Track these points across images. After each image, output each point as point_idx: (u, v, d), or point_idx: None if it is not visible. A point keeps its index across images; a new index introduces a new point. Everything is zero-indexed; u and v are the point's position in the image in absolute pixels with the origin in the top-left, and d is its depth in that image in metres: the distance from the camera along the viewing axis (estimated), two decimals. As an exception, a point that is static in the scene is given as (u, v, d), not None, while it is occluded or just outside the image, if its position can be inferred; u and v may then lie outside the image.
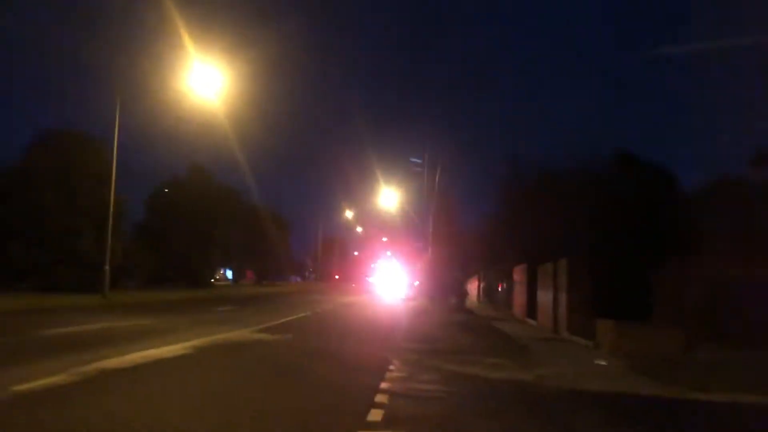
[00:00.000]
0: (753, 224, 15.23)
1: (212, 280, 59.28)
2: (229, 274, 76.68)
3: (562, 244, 20.08)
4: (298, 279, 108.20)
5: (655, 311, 13.15)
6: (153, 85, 28.62)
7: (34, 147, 33.49)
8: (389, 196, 45.78)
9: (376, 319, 24.98)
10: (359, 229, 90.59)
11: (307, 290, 62.31)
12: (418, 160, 39.31)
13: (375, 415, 6.45)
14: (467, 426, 6.29)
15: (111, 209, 27.70)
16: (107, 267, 26.78)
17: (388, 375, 9.21)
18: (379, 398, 7.36)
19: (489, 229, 34.14)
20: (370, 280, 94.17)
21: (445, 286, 36.31)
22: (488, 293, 40.85)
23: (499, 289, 35.05)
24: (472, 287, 46.06)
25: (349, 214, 79.28)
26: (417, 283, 56.69)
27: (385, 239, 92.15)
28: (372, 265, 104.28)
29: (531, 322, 22.48)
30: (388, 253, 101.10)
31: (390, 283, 74.03)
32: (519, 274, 26.49)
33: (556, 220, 22.44)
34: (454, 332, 18.06)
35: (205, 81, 26.09)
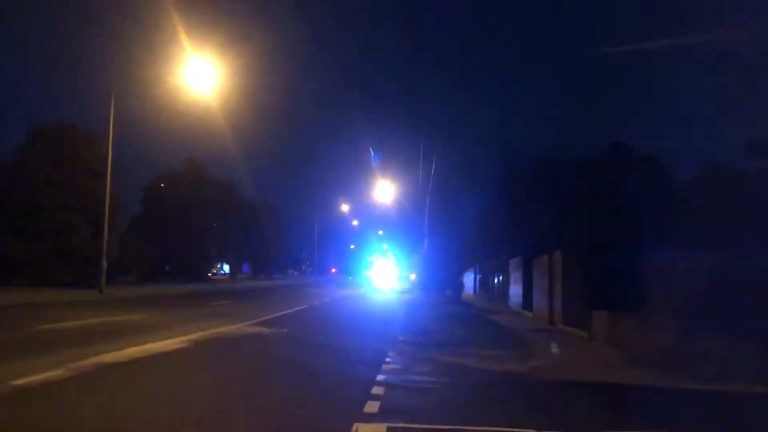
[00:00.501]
0: (746, 213, 15.32)
1: (209, 275, 59.32)
2: (226, 267, 76.71)
3: (556, 237, 20.17)
4: (295, 272, 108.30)
5: (649, 302, 13.21)
6: (148, 79, 28.51)
7: (28, 142, 33.40)
8: (385, 189, 45.73)
9: (373, 312, 25.07)
10: (355, 223, 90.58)
11: (303, 284, 62.39)
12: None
13: (371, 407, 6.50)
14: (463, 417, 6.35)
15: (107, 204, 27.64)
16: (104, 262, 26.74)
17: (384, 367, 9.27)
18: (376, 390, 7.42)
19: (484, 222, 34.22)
20: (367, 273, 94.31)
21: (440, 279, 36.43)
22: (484, 286, 40.96)
23: (495, 282, 35.16)
24: (468, 280, 46.19)
25: (345, 207, 79.21)
26: (413, 275, 56.83)
27: (381, 232, 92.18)
28: (368, 259, 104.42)
29: (527, 314, 22.59)
30: (384, 246, 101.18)
31: (386, 276, 74.18)
32: (515, 267, 26.59)
33: (551, 212, 22.53)
34: (450, 324, 18.14)
35: (199, 74, 26.00)
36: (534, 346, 13.20)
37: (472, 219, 37.60)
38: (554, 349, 12.47)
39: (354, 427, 5.61)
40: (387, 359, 10.18)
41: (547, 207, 23.03)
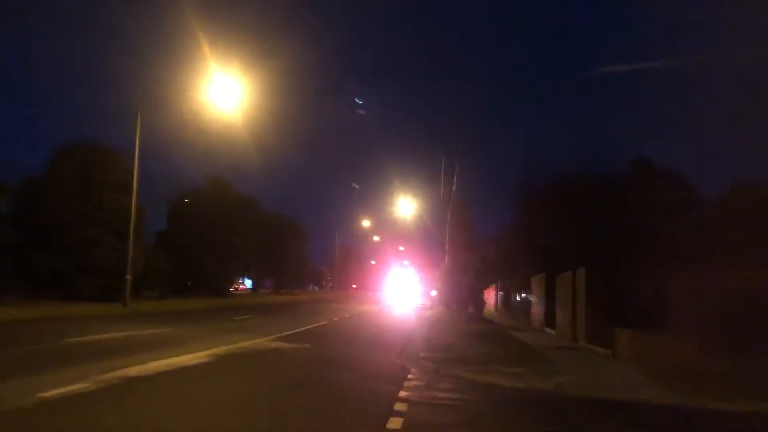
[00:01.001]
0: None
1: (231, 289, 59.63)
2: (248, 282, 77.04)
3: (579, 253, 19.98)
4: (316, 288, 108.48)
5: (673, 320, 13.03)
6: (173, 97, 28.97)
7: (56, 159, 33.99)
8: (406, 205, 45.82)
9: (394, 328, 25.00)
10: (376, 238, 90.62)
11: (324, 299, 62.45)
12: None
13: (394, 423, 6.50)
14: (486, 434, 6.31)
15: (132, 219, 28.01)
16: (129, 276, 27.05)
17: (406, 383, 9.25)
18: (398, 406, 7.41)
19: (506, 238, 34.03)
20: (387, 289, 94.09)
21: (462, 295, 36.24)
22: (506, 302, 40.66)
23: (517, 299, 34.90)
24: (490, 296, 45.89)
25: (366, 223, 79.34)
26: (434, 292, 56.60)
27: (402, 248, 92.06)
28: (389, 274, 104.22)
29: (549, 331, 22.37)
30: (405, 262, 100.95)
31: (407, 292, 73.96)
32: (537, 284, 26.38)
33: (574, 228, 22.34)
34: (472, 341, 18.03)
35: (224, 91, 26.37)
36: (557, 363, 13.07)
37: (493, 235, 37.43)
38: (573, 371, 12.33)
39: (377, 443, 5.61)
40: (409, 375, 10.15)
41: (569, 223, 22.82)
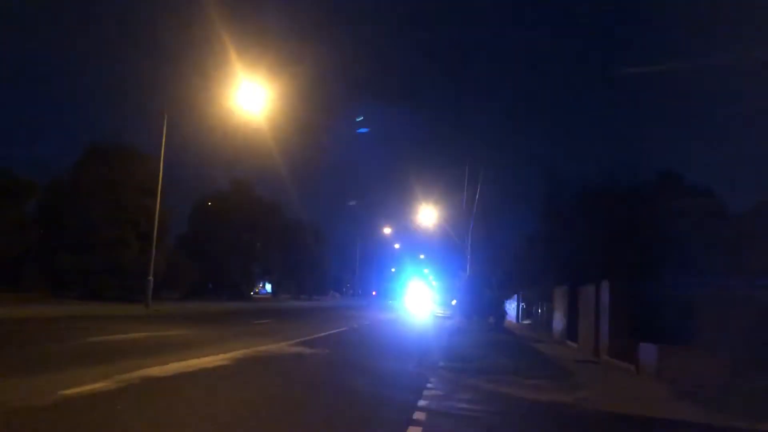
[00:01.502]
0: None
1: (252, 293, 59.93)
2: (268, 287, 77.33)
3: (602, 266, 19.75)
4: (336, 294, 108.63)
5: (700, 336, 12.80)
6: (200, 102, 29.30)
7: (83, 160, 34.49)
8: (428, 214, 45.70)
9: (413, 337, 24.90)
10: (397, 246, 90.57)
11: (344, 306, 62.46)
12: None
13: (413, 432, 6.44)
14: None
15: (156, 221, 28.30)
16: (151, 278, 27.31)
17: (425, 392, 9.18)
18: (418, 415, 7.35)
19: (529, 249, 33.78)
20: (407, 297, 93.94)
21: (482, 306, 35.97)
22: (527, 314, 40.33)
23: (538, 311, 34.58)
24: (511, 308, 45.54)
25: (387, 230, 79.34)
26: (454, 301, 56.34)
27: (422, 256, 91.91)
28: (409, 283, 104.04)
29: (571, 344, 22.11)
30: (426, 271, 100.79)
31: (427, 301, 73.76)
32: (559, 296, 26.12)
33: (597, 240, 22.09)
34: (492, 352, 17.87)
35: (250, 97, 26.59)
36: (578, 376, 12.89)
37: (516, 245, 37.14)
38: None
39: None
40: (428, 385, 10.07)
41: (593, 235, 22.58)
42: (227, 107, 27.74)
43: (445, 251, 54.53)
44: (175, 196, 38.77)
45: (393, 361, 14.51)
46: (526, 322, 39.36)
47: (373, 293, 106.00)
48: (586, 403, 9.31)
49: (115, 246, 32.14)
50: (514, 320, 43.80)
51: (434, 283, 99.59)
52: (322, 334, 20.15)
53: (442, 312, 56.04)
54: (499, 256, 39.68)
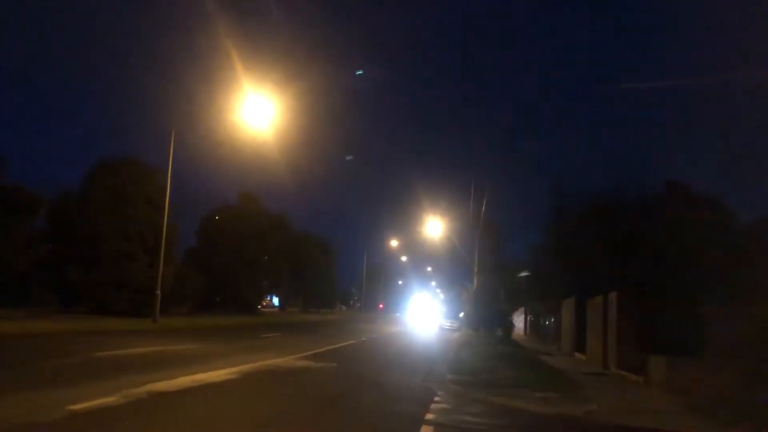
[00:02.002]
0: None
1: (259, 306, 59.92)
2: (276, 300, 77.29)
3: (610, 278, 19.64)
4: (344, 307, 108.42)
5: (708, 347, 12.68)
6: (207, 116, 29.42)
7: (93, 173, 34.66)
8: (434, 226, 45.57)
9: (420, 350, 24.82)
10: (404, 259, 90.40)
11: (351, 319, 62.33)
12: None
13: (421, 445, 6.40)
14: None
15: (164, 235, 28.36)
16: (158, 292, 27.32)
17: (433, 406, 9.13)
18: (425, 429, 7.32)
19: (536, 261, 33.64)
20: (414, 310, 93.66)
21: (490, 318, 35.79)
22: (535, 326, 40.11)
23: (546, 323, 34.40)
24: (518, 320, 45.31)
25: (394, 243, 79.22)
26: (462, 314, 56.12)
27: (429, 269, 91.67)
28: (416, 296, 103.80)
29: (579, 356, 21.97)
30: (433, 284, 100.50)
31: (433, 314, 73.51)
32: (567, 308, 25.99)
33: (605, 252, 21.98)
34: (500, 364, 17.77)
35: (257, 111, 26.67)
36: (588, 389, 12.80)
37: (523, 257, 36.98)
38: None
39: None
40: (436, 398, 10.03)
41: (600, 247, 22.47)
42: (235, 121, 27.83)
43: (452, 264, 54.38)
44: (183, 210, 38.96)
45: (400, 374, 14.46)
46: (534, 334, 39.14)
47: (380, 306, 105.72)
48: (595, 416, 9.24)
49: (123, 260, 32.20)
50: (522, 333, 43.57)
51: (441, 295, 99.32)
52: (330, 347, 20.11)
53: (449, 324, 55.82)
54: (507, 268, 39.48)
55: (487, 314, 36.37)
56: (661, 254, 19.20)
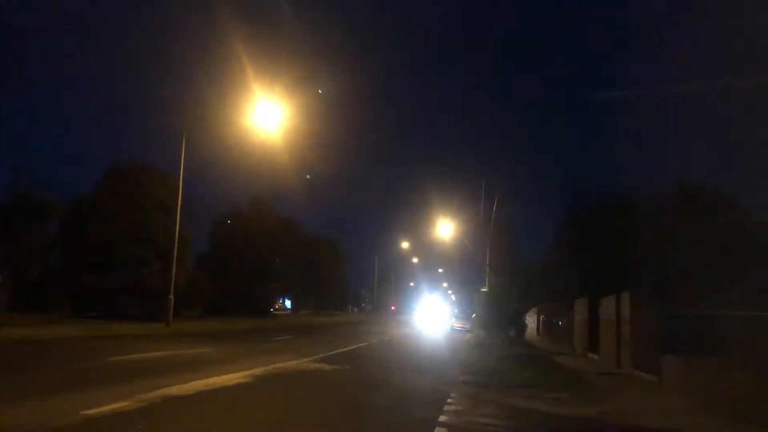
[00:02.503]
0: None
1: (272, 310, 60.07)
2: (288, 303, 77.47)
3: (623, 277, 19.54)
4: (355, 309, 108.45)
5: (725, 348, 12.56)
6: (218, 121, 29.54)
7: (106, 179, 34.91)
8: (446, 227, 45.49)
9: (433, 351, 24.78)
10: (415, 260, 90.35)
11: (363, 321, 62.31)
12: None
13: (434, 447, 6.39)
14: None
15: (176, 240, 28.49)
16: (171, 296, 27.45)
17: (446, 408, 9.11)
18: (439, 431, 7.30)
19: (549, 261, 33.54)
20: (426, 311, 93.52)
21: (502, 318, 35.63)
22: (548, 326, 39.93)
23: (559, 323, 34.22)
24: (531, 320, 45.11)
25: (405, 244, 79.17)
26: (474, 315, 55.96)
27: (441, 270, 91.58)
28: (428, 297, 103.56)
29: (592, 356, 21.85)
30: (444, 284, 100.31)
31: (446, 315, 73.34)
32: (580, 308, 25.85)
33: (618, 251, 21.89)
34: (513, 365, 17.69)
35: (267, 115, 26.77)
36: (601, 389, 12.73)
37: (535, 257, 36.88)
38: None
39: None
40: (449, 400, 10.00)
41: (613, 246, 22.39)
42: (245, 126, 27.95)
43: (464, 264, 54.31)
44: (195, 215, 39.09)
45: (413, 376, 14.44)
46: (547, 334, 38.97)
47: (392, 308, 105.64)
48: (609, 417, 9.18)
49: (135, 265, 32.41)
50: (534, 333, 43.37)
51: (453, 296, 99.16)
52: (342, 349, 20.12)
53: (461, 325, 55.66)
54: (519, 269, 39.34)
55: (500, 315, 36.22)
56: (673, 253, 19.09)
